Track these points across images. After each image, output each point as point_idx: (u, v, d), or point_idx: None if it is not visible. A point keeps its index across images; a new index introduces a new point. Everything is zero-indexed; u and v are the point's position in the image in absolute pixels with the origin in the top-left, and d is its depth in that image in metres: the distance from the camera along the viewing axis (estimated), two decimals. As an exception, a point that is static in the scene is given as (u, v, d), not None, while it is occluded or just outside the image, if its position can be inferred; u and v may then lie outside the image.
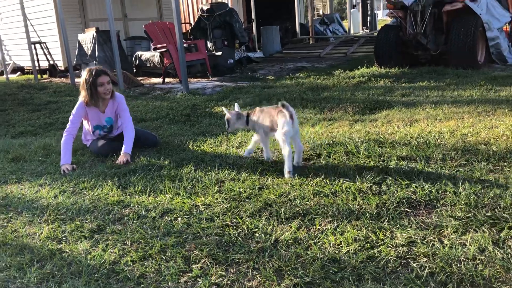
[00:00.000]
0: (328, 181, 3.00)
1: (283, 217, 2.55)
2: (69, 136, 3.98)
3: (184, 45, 7.89)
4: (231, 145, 4.12)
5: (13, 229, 2.68)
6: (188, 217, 2.66)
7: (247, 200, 2.85)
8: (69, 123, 4.06)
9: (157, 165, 3.62)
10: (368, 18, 21.17)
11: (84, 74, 4.05)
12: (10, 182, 3.54)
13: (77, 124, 4.10)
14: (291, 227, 2.42)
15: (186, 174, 3.38)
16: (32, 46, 11.04)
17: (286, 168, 3.19)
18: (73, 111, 4.09)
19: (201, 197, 2.94)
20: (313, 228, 2.41)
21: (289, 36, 15.87)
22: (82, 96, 4.05)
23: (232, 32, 10.60)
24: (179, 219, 2.65)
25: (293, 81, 7.93)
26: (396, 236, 2.26)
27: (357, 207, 2.60)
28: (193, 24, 12.42)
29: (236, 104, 3.73)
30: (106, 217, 2.74)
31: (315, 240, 2.28)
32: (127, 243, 2.39)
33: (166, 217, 2.68)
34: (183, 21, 14.01)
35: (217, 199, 2.88)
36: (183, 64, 7.59)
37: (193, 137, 4.55)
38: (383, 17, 32.58)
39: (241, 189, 3.00)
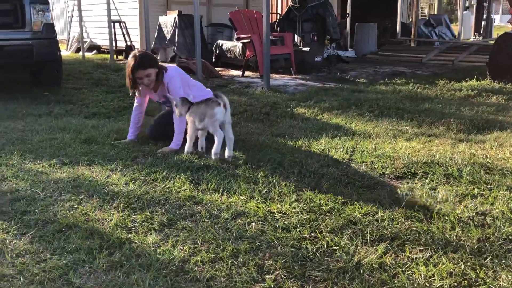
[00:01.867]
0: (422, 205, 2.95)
1: (368, 238, 2.55)
2: (134, 111, 4.47)
3: (270, 37, 8.01)
4: (313, 151, 4.16)
5: (83, 212, 2.90)
6: (262, 224, 2.73)
7: (328, 214, 2.87)
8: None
9: (232, 164, 3.75)
10: (483, 23, 20.27)
11: (128, 60, 4.29)
12: (82, 164, 3.82)
13: (141, 99, 4.47)
14: (376, 250, 2.41)
15: (262, 177, 3.47)
16: (112, 25, 11.71)
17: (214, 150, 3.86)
18: None
19: (277, 203, 3.01)
20: (402, 255, 2.38)
21: (387, 36, 15.59)
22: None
23: (323, 27, 10.57)
24: (253, 224, 2.73)
25: (389, 87, 7.79)
26: (500, 277, 2.18)
27: (455, 238, 2.54)
28: (281, 15, 12.57)
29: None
30: (177, 212, 2.89)
31: (403, 268, 2.26)
32: (198, 242, 2.51)
33: (239, 220, 2.78)
34: (270, 11, 14.24)
35: (294, 208, 2.94)
36: (267, 58, 7.72)
37: (271, 138, 4.64)
38: (500, 23, 31.00)
39: (322, 201, 3.03)
